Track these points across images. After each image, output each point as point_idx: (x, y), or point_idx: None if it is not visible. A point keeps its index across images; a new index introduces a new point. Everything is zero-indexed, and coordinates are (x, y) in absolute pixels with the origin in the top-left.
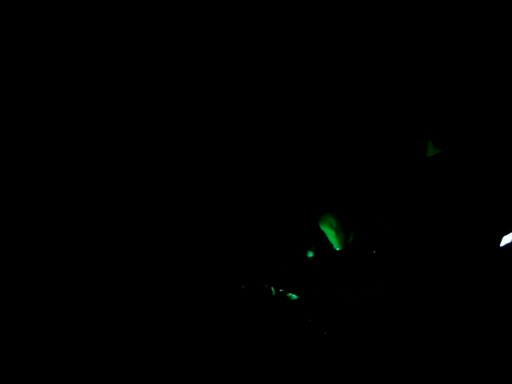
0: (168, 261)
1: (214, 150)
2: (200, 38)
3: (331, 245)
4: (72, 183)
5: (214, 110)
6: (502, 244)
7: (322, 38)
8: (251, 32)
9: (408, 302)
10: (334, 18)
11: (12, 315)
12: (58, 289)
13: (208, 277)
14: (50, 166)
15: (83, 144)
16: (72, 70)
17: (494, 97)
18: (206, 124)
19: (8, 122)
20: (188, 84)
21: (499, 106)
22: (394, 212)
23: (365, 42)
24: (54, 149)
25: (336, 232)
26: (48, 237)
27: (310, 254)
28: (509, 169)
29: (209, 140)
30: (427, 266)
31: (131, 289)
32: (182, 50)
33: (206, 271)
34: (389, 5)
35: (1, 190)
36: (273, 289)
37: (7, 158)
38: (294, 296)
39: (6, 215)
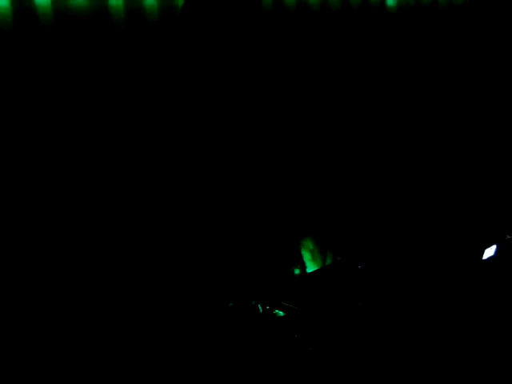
0: (154, 277)
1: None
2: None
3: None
4: (71, 181)
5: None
6: (485, 257)
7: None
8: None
9: (392, 315)
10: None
11: (12, 315)
12: (57, 287)
13: (195, 294)
14: (50, 163)
15: (82, 142)
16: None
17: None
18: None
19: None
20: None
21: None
22: (380, 225)
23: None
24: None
25: (312, 255)
26: (47, 235)
27: (297, 272)
28: (490, 183)
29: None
30: (411, 279)
31: (114, 303)
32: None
33: (193, 288)
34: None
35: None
36: (260, 306)
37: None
38: (281, 313)
39: (6, 215)
